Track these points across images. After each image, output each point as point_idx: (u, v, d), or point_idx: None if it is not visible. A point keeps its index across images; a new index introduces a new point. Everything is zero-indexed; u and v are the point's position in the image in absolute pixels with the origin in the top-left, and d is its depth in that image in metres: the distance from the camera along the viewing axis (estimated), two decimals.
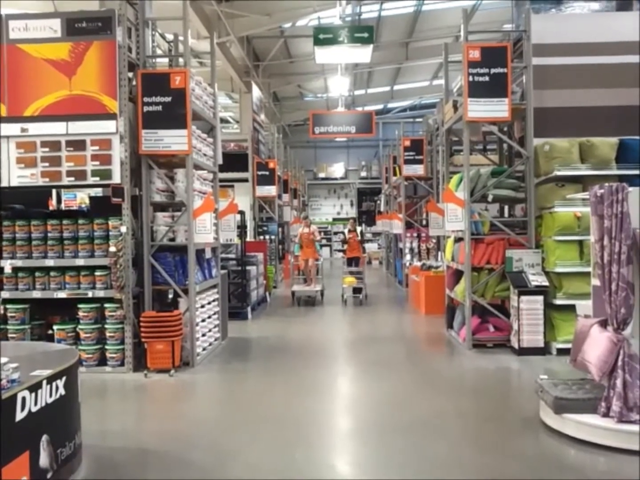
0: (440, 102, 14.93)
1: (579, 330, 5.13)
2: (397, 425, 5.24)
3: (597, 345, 4.74)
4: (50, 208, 10.55)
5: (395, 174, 18.18)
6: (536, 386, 5.20)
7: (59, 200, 14.08)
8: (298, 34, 17.70)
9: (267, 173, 16.74)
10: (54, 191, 12.35)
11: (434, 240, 15.12)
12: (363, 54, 10.34)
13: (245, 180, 16.76)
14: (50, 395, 3.81)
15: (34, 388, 3.64)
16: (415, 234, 15.87)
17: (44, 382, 3.76)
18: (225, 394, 6.52)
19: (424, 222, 16.47)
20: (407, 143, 15.71)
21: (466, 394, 6.29)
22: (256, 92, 18.15)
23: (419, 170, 15.48)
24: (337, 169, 31.25)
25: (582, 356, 4.90)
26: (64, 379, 3.98)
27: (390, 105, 29.51)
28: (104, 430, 5.24)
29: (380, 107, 28.64)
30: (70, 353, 4.58)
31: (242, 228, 11.56)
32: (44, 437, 3.71)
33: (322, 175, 31.27)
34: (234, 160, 16.43)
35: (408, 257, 15.59)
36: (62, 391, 3.95)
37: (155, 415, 5.82)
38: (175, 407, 6.05)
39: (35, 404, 3.64)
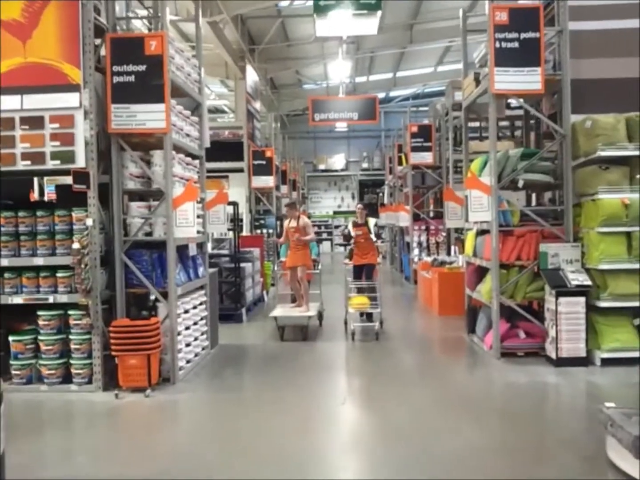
0: (448, 86, 13.86)
1: None
2: (421, 466, 4.14)
3: None
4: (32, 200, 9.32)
5: (400, 163, 17.08)
6: (602, 417, 4.08)
7: (41, 193, 12.87)
8: (296, 14, 16.52)
9: (263, 162, 15.60)
10: (35, 181, 11.19)
11: (444, 234, 14.02)
12: (369, 24, 9.17)
13: (241, 170, 15.61)
14: None
15: None
16: (423, 227, 14.77)
17: None
18: (212, 421, 5.37)
19: (432, 214, 15.43)
20: (415, 129, 14.59)
21: (502, 419, 5.17)
22: (251, 75, 16.99)
23: (427, 158, 14.35)
24: (337, 161, 30.10)
25: None
26: None
27: (392, 94, 28.38)
28: (57, 474, 4.14)
29: (382, 95, 27.47)
30: None
31: (235, 221, 10.45)
32: None
33: (322, 167, 30.12)
34: (228, 149, 15.31)
35: (416, 251, 14.48)
36: None
37: (121, 452, 4.65)
38: (148, 440, 4.92)
39: None
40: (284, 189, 18.93)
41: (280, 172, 18.15)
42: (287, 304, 9.37)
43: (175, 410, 5.67)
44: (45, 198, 13.25)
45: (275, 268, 12.10)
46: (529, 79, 6.87)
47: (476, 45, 9.38)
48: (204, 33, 13.59)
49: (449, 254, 12.95)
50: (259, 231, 15.31)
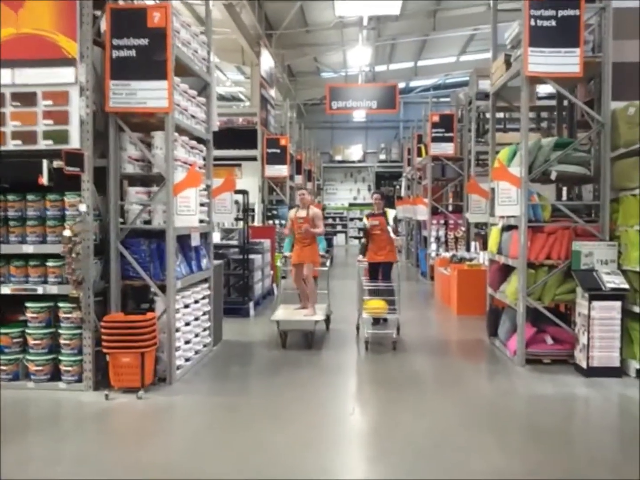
0: (472, 74, 13.23)
1: None
2: None
3: None
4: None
5: (420, 155, 16.47)
6: None
7: (50, 177, 12.35)
8: None
9: (278, 151, 15.10)
10: (44, 165, 10.70)
11: (464, 229, 13.44)
12: (391, 4, 8.57)
13: (254, 158, 15.13)
14: None
15: None
16: (442, 221, 14.18)
17: None
18: (208, 428, 4.86)
19: (452, 208, 14.83)
20: (436, 119, 13.97)
21: (532, 438, 4.59)
22: (267, 60, 16.45)
23: (448, 149, 13.73)
24: (354, 152, 29.46)
25: None
26: None
27: (412, 84, 27.68)
28: None
29: (402, 85, 26.79)
30: None
31: (245, 211, 9.96)
32: None
33: (338, 157, 29.49)
34: (242, 137, 14.86)
35: (434, 246, 13.91)
36: None
37: (105, 462, 4.15)
38: (136, 448, 4.44)
39: None
40: (299, 179, 18.41)
41: (294, 162, 17.64)
42: (291, 305, 8.23)
43: (169, 414, 5.18)
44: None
45: (279, 263, 10.95)
46: (566, 61, 6.30)
47: (504, 28, 8.80)
48: (220, 17, 13.11)
49: (468, 250, 12.39)
50: (271, 222, 14.82)
